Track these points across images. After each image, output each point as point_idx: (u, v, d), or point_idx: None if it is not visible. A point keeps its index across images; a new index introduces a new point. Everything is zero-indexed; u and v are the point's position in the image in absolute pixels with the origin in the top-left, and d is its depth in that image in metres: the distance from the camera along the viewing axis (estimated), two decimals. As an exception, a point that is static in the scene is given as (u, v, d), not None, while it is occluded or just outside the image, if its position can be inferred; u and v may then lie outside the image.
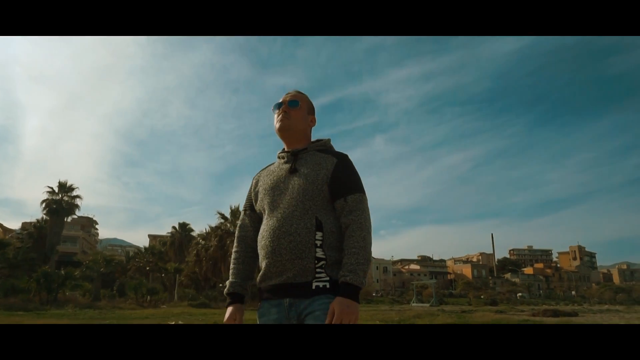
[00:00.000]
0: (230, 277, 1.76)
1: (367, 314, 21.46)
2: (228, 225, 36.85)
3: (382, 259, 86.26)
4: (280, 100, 1.80)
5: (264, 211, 1.70)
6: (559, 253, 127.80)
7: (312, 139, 1.84)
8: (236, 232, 1.84)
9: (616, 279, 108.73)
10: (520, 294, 71.86)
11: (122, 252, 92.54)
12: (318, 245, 1.55)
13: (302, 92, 1.85)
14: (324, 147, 1.78)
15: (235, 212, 36.16)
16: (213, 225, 38.78)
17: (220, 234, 36.16)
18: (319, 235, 1.56)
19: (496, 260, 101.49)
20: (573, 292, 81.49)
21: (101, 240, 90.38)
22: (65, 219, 39.37)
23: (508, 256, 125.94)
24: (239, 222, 1.86)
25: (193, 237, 48.42)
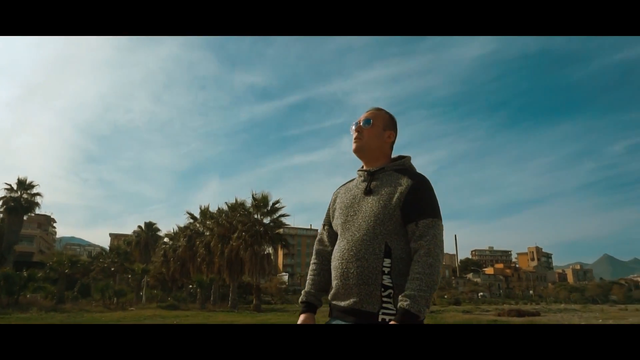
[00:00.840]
0: (306, 287, 1.80)
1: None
2: (197, 225, 36.24)
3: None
4: (356, 120, 1.82)
5: (338, 230, 1.72)
6: (518, 254, 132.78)
7: (395, 155, 1.81)
8: (314, 245, 1.89)
9: (570, 278, 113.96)
10: (481, 293, 74.19)
11: (82, 252, 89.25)
12: (385, 272, 1.53)
13: (380, 107, 1.85)
14: (402, 166, 1.73)
15: (205, 212, 35.58)
16: (181, 224, 38.16)
17: (189, 234, 35.47)
18: (387, 262, 1.54)
19: (459, 260, 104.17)
20: (531, 292, 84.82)
21: (60, 239, 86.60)
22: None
23: (470, 257, 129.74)
24: (317, 236, 1.90)
25: (159, 236, 47.33)
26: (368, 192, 1.67)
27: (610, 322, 18.79)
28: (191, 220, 36.54)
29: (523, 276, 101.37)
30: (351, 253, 1.58)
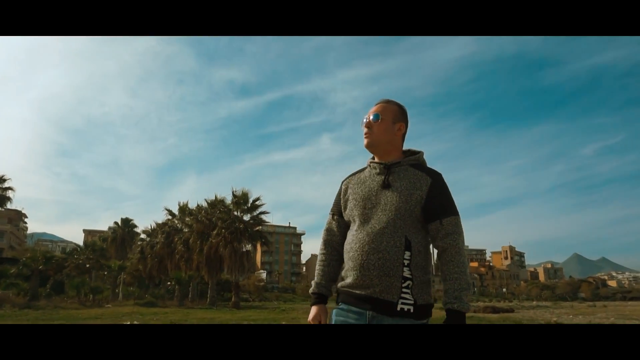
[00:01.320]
0: (315, 278, 1.82)
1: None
2: (176, 222, 35.82)
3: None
4: (366, 115, 1.82)
5: (354, 221, 1.72)
6: (492, 252, 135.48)
7: (405, 147, 1.84)
8: (322, 235, 1.87)
9: (542, 277, 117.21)
10: (457, 291, 75.17)
11: (54, 248, 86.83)
12: (405, 264, 1.58)
13: (389, 99, 1.84)
14: (417, 162, 1.77)
15: (183, 209, 35.18)
16: (157, 221, 37.66)
17: (167, 230, 35.04)
18: (407, 254, 1.58)
19: (435, 259, 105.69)
20: (504, 289, 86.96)
21: (32, 235, 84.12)
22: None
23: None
24: (325, 226, 1.88)
25: (136, 233, 46.59)
26: (386, 185, 1.68)
27: (580, 317, 19.50)
28: (169, 217, 36.11)
29: (497, 274, 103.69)
30: (372, 245, 1.59)
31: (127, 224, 46.85)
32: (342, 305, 1.67)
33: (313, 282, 1.81)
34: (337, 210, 1.85)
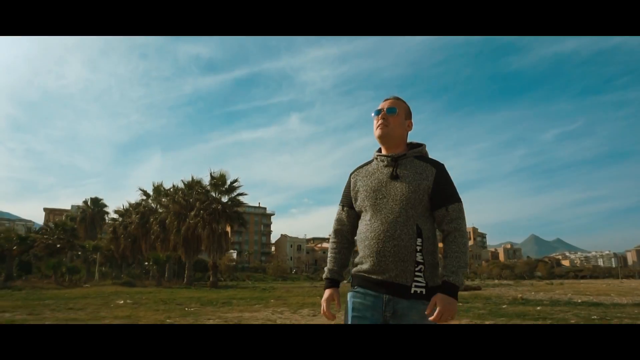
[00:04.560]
0: (328, 265, 1.98)
1: (302, 290, 22.26)
2: (150, 202, 35.50)
3: (296, 237, 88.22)
4: (379, 107, 1.92)
5: (366, 212, 1.84)
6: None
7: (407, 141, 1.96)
8: (333, 225, 2.02)
9: (502, 257, 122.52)
10: (422, 270, 77.69)
11: (13, 227, 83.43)
12: (418, 250, 1.71)
13: (400, 97, 1.97)
14: (421, 154, 1.88)
15: (158, 189, 34.89)
16: (128, 199, 37.25)
17: (142, 210, 34.74)
18: (418, 241, 1.72)
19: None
20: (467, 269, 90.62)
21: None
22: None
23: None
24: (336, 216, 2.01)
25: (105, 212, 45.79)
26: (395, 177, 1.80)
27: (542, 294, 20.99)
28: (144, 197, 35.73)
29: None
30: (387, 234, 1.72)
31: (96, 203, 45.87)
32: (359, 289, 1.80)
33: (326, 269, 1.98)
34: (347, 202, 1.96)
